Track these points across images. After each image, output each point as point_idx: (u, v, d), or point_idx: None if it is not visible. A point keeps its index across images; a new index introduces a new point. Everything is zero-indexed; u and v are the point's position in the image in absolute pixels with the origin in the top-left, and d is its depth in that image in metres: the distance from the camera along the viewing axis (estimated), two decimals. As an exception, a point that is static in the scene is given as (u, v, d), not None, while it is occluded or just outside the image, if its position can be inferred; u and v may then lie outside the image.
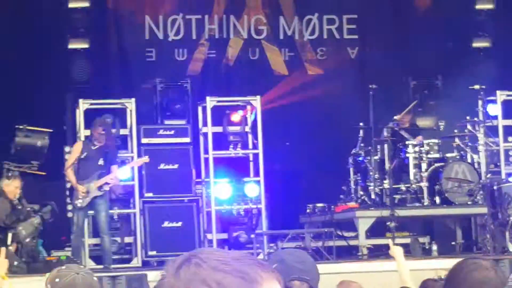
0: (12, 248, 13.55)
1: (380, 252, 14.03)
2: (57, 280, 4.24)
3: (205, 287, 1.96)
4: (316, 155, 17.30)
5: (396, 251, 8.47)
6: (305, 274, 3.93)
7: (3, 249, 7.63)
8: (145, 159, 14.39)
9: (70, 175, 13.60)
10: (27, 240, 13.32)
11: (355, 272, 12.03)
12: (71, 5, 16.94)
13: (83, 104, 14.99)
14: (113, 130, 14.31)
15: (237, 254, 2.06)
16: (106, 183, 13.65)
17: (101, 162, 13.54)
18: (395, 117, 15.50)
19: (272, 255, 4.11)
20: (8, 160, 14.25)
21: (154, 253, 14.45)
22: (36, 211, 13.57)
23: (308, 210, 15.77)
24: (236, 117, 15.33)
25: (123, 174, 14.68)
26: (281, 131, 16.93)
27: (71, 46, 17.05)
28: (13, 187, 13.57)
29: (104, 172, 13.63)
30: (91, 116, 14.91)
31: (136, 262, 14.50)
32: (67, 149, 14.71)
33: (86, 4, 17.04)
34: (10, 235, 13.32)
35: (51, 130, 14.57)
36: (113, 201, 15.21)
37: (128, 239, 14.87)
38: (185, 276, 1.98)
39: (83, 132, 14.66)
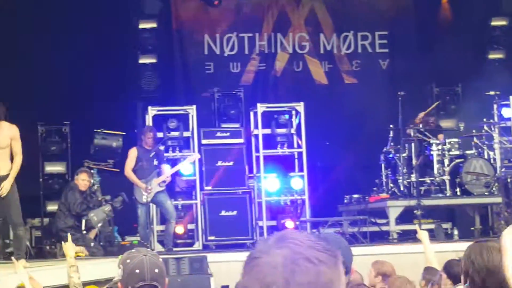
0: (91, 234, 13.65)
1: (408, 236, 13.97)
2: (128, 261, 4.21)
3: (309, 264, 1.94)
4: (352, 152, 17.17)
5: (423, 235, 8.43)
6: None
7: (69, 234, 7.65)
8: (196, 155, 14.42)
9: (131, 176, 13.60)
10: (99, 225, 13.37)
11: (387, 254, 11.92)
12: (141, 26, 17.01)
13: (152, 111, 15.05)
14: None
15: (312, 236, 2.05)
16: (163, 181, 13.72)
17: (155, 162, 13.58)
18: (418, 117, 15.49)
19: None
20: (88, 159, 14.37)
21: (213, 238, 14.43)
22: (107, 201, 13.63)
23: (345, 200, 15.76)
24: (282, 120, 15.27)
25: (187, 170, 14.73)
26: (322, 132, 16.82)
27: (141, 61, 17.10)
28: (80, 180, 13.68)
29: (159, 171, 13.70)
30: (158, 121, 14.99)
31: (198, 245, 14.49)
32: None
33: (154, 25, 17.08)
34: (83, 222, 13.41)
35: (124, 133, 14.65)
36: (178, 193, 15.28)
37: (190, 226, 14.87)
38: (287, 254, 1.95)
39: (152, 134, 14.74)
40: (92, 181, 13.87)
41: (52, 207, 15.18)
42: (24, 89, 16.41)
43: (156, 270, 4.18)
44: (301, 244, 1.97)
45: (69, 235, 7.53)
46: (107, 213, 13.39)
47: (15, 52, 16.43)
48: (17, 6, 16.48)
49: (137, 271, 4.15)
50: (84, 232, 13.34)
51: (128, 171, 13.57)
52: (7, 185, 10.87)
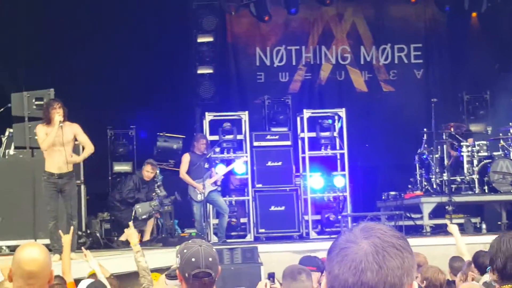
0: (149, 226, 13.77)
1: (440, 230, 13.89)
2: (185, 251, 4.23)
3: (396, 250, 1.99)
4: (389, 154, 17.12)
5: (453, 229, 8.43)
6: None
7: (131, 223, 7.71)
8: (244, 159, 14.48)
9: (187, 178, 13.70)
10: (143, 217, 13.48)
11: (420, 246, 11.88)
12: (199, 40, 17.08)
13: (208, 116, 15.14)
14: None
15: (388, 226, 2.09)
16: (216, 181, 13.81)
17: (206, 165, 13.66)
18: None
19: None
20: (151, 159, 14.49)
21: (263, 230, 14.44)
22: (160, 196, 13.68)
23: (383, 197, 15.64)
24: (326, 124, 15.26)
25: (240, 169, 14.80)
26: (362, 135, 16.79)
27: (199, 71, 17.17)
28: (145, 171, 13.85)
29: (211, 173, 13.78)
30: (214, 125, 15.07)
31: (249, 237, 14.53)
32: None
33: (211, 39, 17.15)
34: (133, 212, 13.57)
35: (184, 136, 14.74)
36: (232, 190, 15.34)
37: (243, 220, 14.91)
38: (377, 243, 1.98)
39: (209, 137, 14.78)
40: (156, 172, 13.93)
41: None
42: (96, 98, 16.62)
43: (210, 259, 4.19)
44: (385, 233, 2.00)
45: (130, 223, 7.59)
46: (153, 207, 13.47)
47: (91, 66, 16.63)
48: (88, 20, 16.69)
49: (193, 259, 4.16)
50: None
51: (183, 174, 13.67)
52: (78, 159, 11.07)
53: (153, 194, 13.74)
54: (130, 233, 7.08)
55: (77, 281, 7.31)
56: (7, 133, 13.11)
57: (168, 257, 10.60)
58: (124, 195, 13.86)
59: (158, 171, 13.97)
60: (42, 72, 16.39)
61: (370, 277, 1.95)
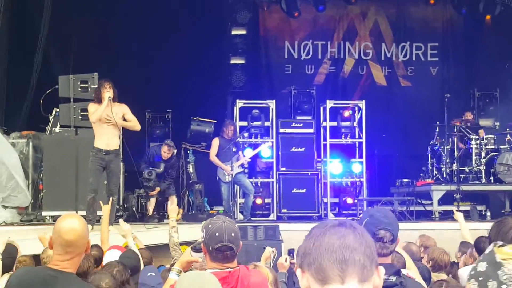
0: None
1: (448, 216, 13.84)
2: (209, 226, 4.26)
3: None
4: (404, 144, 17.11)
5: (458, 216, 8.48)
6: (389, 226, 3.87)
7: (175, 198, 7.73)
8: (269, 144, 14.51)
9: (216, 160, 13.67)
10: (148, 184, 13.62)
11: (429, 230, 11.86)
12: (233, 32, 17.13)
13: (239, 103, 15.18)
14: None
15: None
16: (242, 164, 13.85)
17: (234, 149, 13.67)
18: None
19: (364, 212, 4.06)
20: (185, 141, 14.55)
21: (285, 210, 14.45)
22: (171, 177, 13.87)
23: (396, 183, 15.61)
24: (346, 114, 15.25)
25: (266, 153, 14.84)
26: (379, 125, 16.74)
27: (232, 62, 17.22)
28: (162, 151, 13.81)
29: (238, 156, 13.82)
30: (244, 112, 15.10)
31: (272, 216, 14.57)
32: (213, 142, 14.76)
33: (244, 32, 17.18)
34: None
35: (215, 121, 14.76)
36: (258, 172, 15.37)
37: (267, 200, 14.94)
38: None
39: (238, 123, 14.87)
40: (174, 152, 13.89)
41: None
42: (136, 83, 16.71)
43: (233, 234, 4.22)
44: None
45: (175, 198, 7.62)
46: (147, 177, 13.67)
47: (132, 53, 16.74)
48: (132, 10, 16.77)
49: (217, 234, 4.19)
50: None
51: (213, 156, 13.69)
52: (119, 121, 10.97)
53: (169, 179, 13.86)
54: (172, 209, 7.14)
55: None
56: (54, 113, 13.23)
57: (196, 231, 10.66)
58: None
59: (175, 151, 13.93)
60: (88, 57, 16.53)
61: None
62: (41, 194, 12.66)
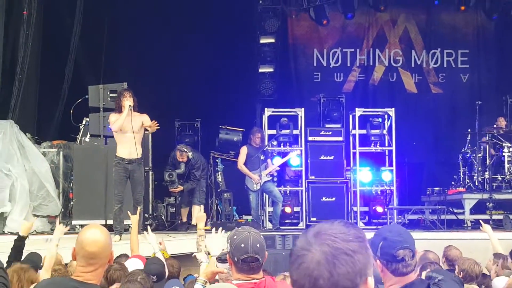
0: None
1: (481, 225, 13.65)
2: (235, 237, 4.24)
3: (346, 256, 1.91)
4: (435, 152, 16.99)
5: (486, 228, 8.51)
6: (405, 243, 3.78)
7: (202, 206, 7.73)
8: (297, 152, 14.44)
9: (244, 169, 13.66)
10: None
11: (461, 239, 11.75)
12: (262, 41, 17.08)
13: (268, 111, 15.13)
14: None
15: (344, 226, 1.99)
16: (270, 171, 13.79)
17: (262, 157, 13.64)
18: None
19: (375, 235, 3.98)
20: (214, 150, 14.56)
21: (314, 219, 14.31)
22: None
23: (427, 192, 15.44)
24: (376, 122, 15.15)
25: (295, 162, 14.79)
26: (410, 133, 16.63)
27: (261, 70, 17.17)
28: (177, 155, 13.93)
29: (266, 164, 13.76)
30: (272, 120, 15.07)
31: (302, 225, 14.45)
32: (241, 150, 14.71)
33: (272, 40, 17.14)
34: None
35: (243, 130, 14.75)
36: (287, 181, 15.30)
37: (296, 209, 14.86)
38: (327, 251, 1.91)
39: (267, 131, 14.85)
40: (188, 156, 13.93)
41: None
42: (166, 92, 16.81)
43: (258, 245, 4.19)
44: (336, 239, 1.92)
45: (201, 207, 7.63)
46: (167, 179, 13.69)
47: (163, 62, 16.82)
48: (161, 21, 16.86)
49: (242, 245, 4.17)
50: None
51: (241, 165, 13.67)
52: (148, 122, 11.00)
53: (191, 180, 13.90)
54: (199, 217, 7.13)
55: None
56: (84, 122, 13.33)
57: (225, 241, 10.62)
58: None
59: (190, 154, 13.91)
60: (118, 66, 16.66)
61: (323, 283, 1.89)
62: (71, 203, 12.73)
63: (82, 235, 3.65)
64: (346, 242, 1.92)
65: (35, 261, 6.48)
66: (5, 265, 6.19)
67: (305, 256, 1.93)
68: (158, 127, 11.14)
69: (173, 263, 7.22)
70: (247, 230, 4.31)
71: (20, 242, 6.95)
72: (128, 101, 10.81)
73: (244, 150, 13.73)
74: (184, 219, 13.65)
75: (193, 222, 13.24)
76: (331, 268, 1.90)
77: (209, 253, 5.49)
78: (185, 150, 13.79)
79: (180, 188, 13.72)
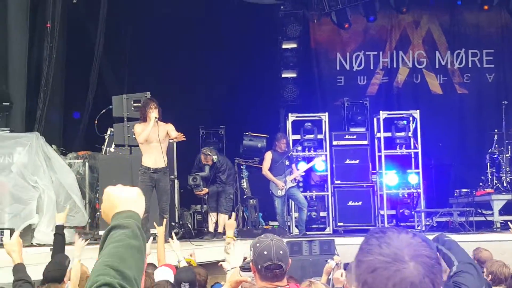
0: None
1: (510, 227, 13.57)
2: (258, 244, 4.24)
3: (439, 265, 1.89)
4: (462, 153, 16.86)
5: (514, 229, 8.40)
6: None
7: (234, 214, 7.71)
8: (322, 157, 14.40)
9: (269, 175, 13.65)
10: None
11: (491, 241, 11.69)
12: (284, 46, 17.10)
13: (291, 117, 15.15)
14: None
15: (423, 241, 1.93)
16: (295, 178, 13.77)
17: (287, 162, 13.62)
18: None
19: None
20: (238, 157, 14.58)
21: (341, 224, 14.36)
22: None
23: (455, 194, 15.28)
24: (401, 125, 15.08)
25: (320, 167, 14.77)
26: (436, 135, 16.54)
27: (284, 75, 17.18)
28: (205, 161, 13.86)
29: (291, 170, 13.73)
30: (296, 125, 15.06)
31: (328, 230, 14.46)
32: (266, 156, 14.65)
33: (295, 45, 17.15)
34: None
35: (267, 136, 14.75)
36: (312, 186, 15.29)
37: (322, 214, 14.85)
38: (423, 272, 1.82)
39: (291, 136, 14.84)
40: (213, 159, 13.78)
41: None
42: (190, 100, 16.87)
43: (281, 252, 4.18)
44: (427, 248, 1.86)
45: (233, 214, 7.62)
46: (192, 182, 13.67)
47: (185, 70, 16.91)
48: (183, 28, 16.93)
49: (265, 252, 4.16)
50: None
51: (266, 170, 13.67)
52: (174, 133, 11.06)
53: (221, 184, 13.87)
54: (230, 224, 7.13)
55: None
56: (108, 132, 13.41)
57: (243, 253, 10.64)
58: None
59: (215, 157, 13.78)
60: (142, 75, 16.74)
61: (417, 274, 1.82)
62: (98, 213, 12.79)
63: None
64: (433, 251, 1.89)
65: (62, 262, 6.52)
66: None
67: (402, 270, 1.82)
68: (184, 139, 11.22)
69: (200, 272, 7.21)
70: (270, 237, 4.30)
71: (59, 231, 7.01)
72: (154, 113, 10.87)
73: (268, 156, 13.73)
74: (211, 226, 13.57)
75: (220, 230, 13.25)
76: (432, 279, 1.84)
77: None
78: (209, 153, 13.73)
79: (205, 190, 13.63)
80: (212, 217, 13.65)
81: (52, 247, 6.93)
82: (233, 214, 7.78)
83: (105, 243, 2.02)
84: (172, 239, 8.03)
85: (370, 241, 1.92)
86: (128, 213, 2.11)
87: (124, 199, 2.15)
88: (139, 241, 2.03)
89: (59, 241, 6.95)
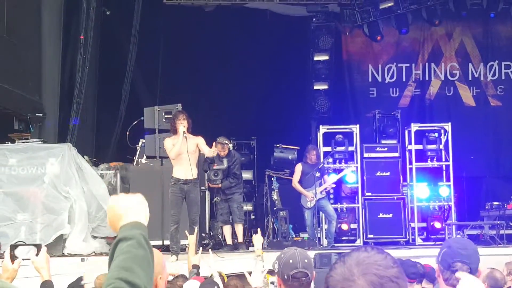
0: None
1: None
2: (282, 255, 4.28)
3: (392, 283, 1.92)
4: (494, 165, 16.79)
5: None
6: (466, 258, 3.79)
7: (259, 230, 7.75)
8: (352, 168, 14.42)
9: (298, 187, 13.63)
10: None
11: (522, 255, 11.57)
12: (316, 58, 17.20)
13: (322, 129, 15.16)
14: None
15: (379, 253, 2.00)
16: (325, 189, 13.77)
17: (317, 174, 13.61)
18: None
19: (444, 242, 4.04)
20: (269, 168, 14.63)
21: (371, 236, 14.29)
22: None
23: (486, 207, 15.19)
24: (432, 137, 15.03)
25: (351, 179, 14.78)
26: (467, 147, 16.47)
27: (316, 87, 17.26)
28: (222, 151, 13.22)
29: (321, 182, 13.73)
30: (327, 137, 15.07)
31: (359, 242, 14.39)
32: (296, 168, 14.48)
33: (326, 58, 17.24)
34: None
35: (298, 148, 14.78)
36: (343, 198, 15.27)
37: (353, 226, 14.84)
38: (374, 280, 1.91)
39: (322, 148, 14.88)
40: (229, 148, 13.24)
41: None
42: (221, 111, 17.00)
43: (306, 260, 4.22)
44: (379, 267, 1.91)
45: (258, 230, 7.66)
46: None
47: (217, 82, 17.05)
48: (216, 42, 17.08)
49: (291, 261, 4.20)
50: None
51: (295, 183, 13.66)
52: (206, 149, 11.16)
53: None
54: (258, 239, 7.18)
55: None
56: (140, 143, 13.56)
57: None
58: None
59: (231, 145, 13.50)
60: (174, 87, 16.91)
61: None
62: (128, 224, 12.88)
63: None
64: (388, 269, 1.92)
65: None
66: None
67: (350, 287, 1.90)
68: (215, 155, 11.34)
69: (236, 284, 7.19)
70: (293, 248, 4.36)
71: None
72: (182, 126, 10.99)
73: (298, 168, 13.75)
74: (229, 240, 13.34)
75: (240, 240, 13.20)
76: None
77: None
78: (226, 142, 13.00)
79: (218, 185, 13.22)
80: (226, 230, 13.46)
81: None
82: (258, 229, 7.82)
83: (114, 256, 2.13)
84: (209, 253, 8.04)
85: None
86: (133, 224, 2.22)
87: (127, 210, 2.26)
88: (145, 250, 2.14)
89: None
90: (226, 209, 13.28)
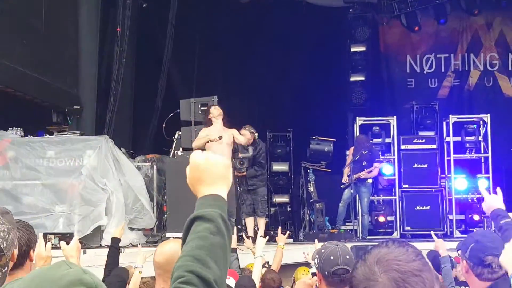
0: None
1: None
2: (323, 251, 4.23)
3: (415, 277, 1.87)
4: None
5: None
6: (496, 251, 3.75)
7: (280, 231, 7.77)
8: (379, 166, 14.31)
9: (345, 172, 13.68)
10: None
11: None
12: (353, 49, 17.09)
13: (359, 120, 15.12)
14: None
15: (399, 247, 1.95)
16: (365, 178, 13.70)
17: (364, 163, 13.53)
18: None
19: (468, 236, 4.02)
20: (305, 161, 14.58)
21: (409, 228, 14.25)
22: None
23: (526, 199, 15.07)
24: (471, 129, 14.87)
25: (388, 171, 14.69)
26: (508, 139, 16.25)
27: (352, 78, 17.15)
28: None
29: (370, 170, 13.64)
30: (364, 129, 14.99)
31: (396, 234, 14.37)
32: (348, 152, 14.63)
33: (363, 49, 17.12)
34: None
35: (334, 140, 14.74)
36: (380, 190, 15.20)
37: (390, 218, 14.78)
38: (396, 277, 1.86)
39: (358, 140, 14.79)
40: (255, 136, 12.91)
41: (278, 199, 15.50)
42: (258, 103, 16.99)
43: (347, 256, 4.18)
44: (399, 262, 1.87)
45: (280, 228, 7.68)
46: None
47: (255, 74, 17.03)
48: (254, 34, 17.06)
49: (332, 257, 4.16)
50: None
51: (345, 167, 13.72)
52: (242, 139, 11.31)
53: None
54: (282, 237, 7.13)
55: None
56: (176, 136, 13.58)
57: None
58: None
59: (256, 134, 13.09)
60: (210, 79, 16.93)
61: None
62: (165, 216, 12.95)
63: (157, 247, 3.76)
64: (410, 263, 1.88)
65: (123, 276, 6.57)
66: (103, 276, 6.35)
67: (373, 286, 1.87)
68: (251, 141, 11.36)
69: (274, 278, 7.13)
70: (334, 243, 4.32)
71: (115, 245, 7.04)
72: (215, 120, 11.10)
73: (351, 152, 13.82)
74: (250, 231, 13.16)
75: (261, 234, 13.09)
76: None
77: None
78: (253, 131, 12.80)
79: (243, 173, 13.16)
80: (249, 222, 13.35)
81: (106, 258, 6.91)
82: (279, 228, 7.83)
83: (188, 236, 1.99)
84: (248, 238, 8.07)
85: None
86: (214, 198, 2.04)
87: (211, 174, 2.08)
88: (223, 237, 1.97)
89: (114, 255, 6.95)
90: (249, 201, 13.23)
